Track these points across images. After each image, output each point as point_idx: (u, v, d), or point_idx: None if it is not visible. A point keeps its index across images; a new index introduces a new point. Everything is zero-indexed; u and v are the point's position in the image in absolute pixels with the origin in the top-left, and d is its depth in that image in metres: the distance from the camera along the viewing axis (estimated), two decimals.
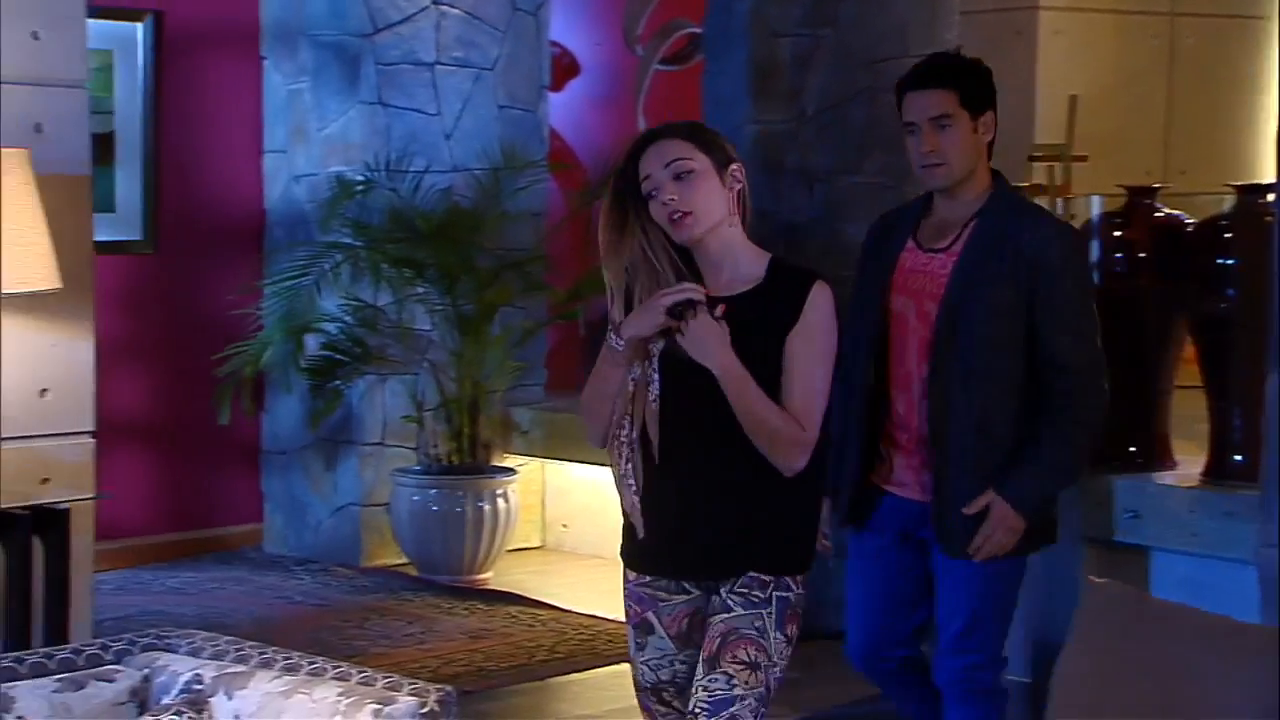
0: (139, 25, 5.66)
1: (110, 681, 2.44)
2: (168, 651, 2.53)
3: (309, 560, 5.80)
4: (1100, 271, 4.80)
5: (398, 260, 5.50)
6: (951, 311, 2.95)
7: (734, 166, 2.55)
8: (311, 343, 5.58)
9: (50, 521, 3.23)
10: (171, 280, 5.79)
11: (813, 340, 2.52)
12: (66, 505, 3.26)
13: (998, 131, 3.05)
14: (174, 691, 2.43)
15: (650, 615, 2.59)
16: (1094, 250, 4.82)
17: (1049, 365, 2.94)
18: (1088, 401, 2.97)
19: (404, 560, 5.70)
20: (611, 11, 6.95)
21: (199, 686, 2.43)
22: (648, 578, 2.58)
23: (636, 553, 2.60)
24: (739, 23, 4.85)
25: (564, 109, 6.61)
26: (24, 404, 3.45)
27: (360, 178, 5.63)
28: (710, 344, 2.47)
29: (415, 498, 5.55)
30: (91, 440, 3.58)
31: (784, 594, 2.54)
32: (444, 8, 5.89)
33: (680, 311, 2.47)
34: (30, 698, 2.35)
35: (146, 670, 2.48)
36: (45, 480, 3.43)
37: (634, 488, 2.54)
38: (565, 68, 6.78)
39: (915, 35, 4.99)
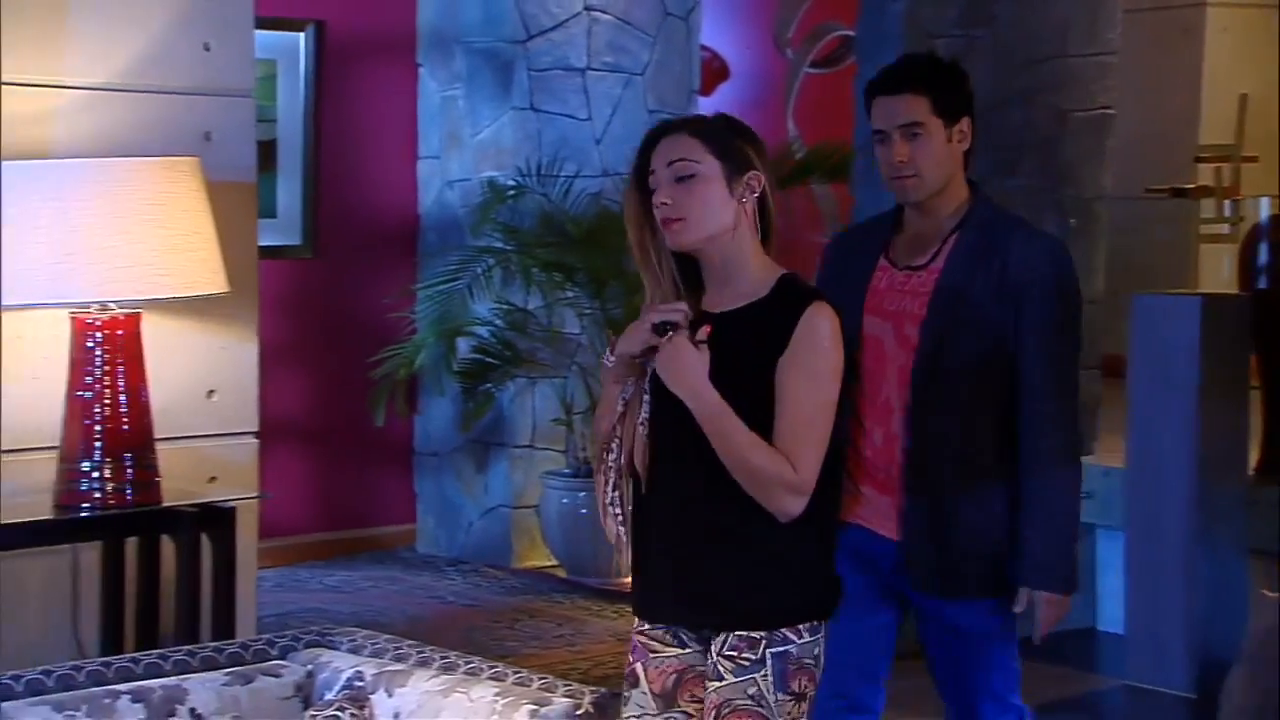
0: (301, 35, 5.79)
1: (276, 676, 2.49)
2: (330, 649, 2.58)
3: (460, 561, 5.87)
4: (1269, 275, 4.66)
5: (548, 265, 5.54)
6: (936, 333, 2.69)
7: (750, 175, 2.30)
8: (463, 346, 5.66)
9: (217, 519, 3.31)
10: (329, 284, 5.91)
11: (804, 366, 2.22)
12: (232, 504, 3.33)
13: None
14: (336, 688, 2.47)
15: (639, 667, 2.40)
16: (1263, 253, 4.68)
17: (1024, 389, 2.72)
18: (1066, 426, 2.74)
19: (553, 562, 5.75)
20: (762, 15, 6.93)
21: (360, 683, 2.47)
22: (645, 625, 2.40)
23: (633, 593, 2.42)
24: (892, 24, 4.79)
25: (714, 113, 6.60)
26: (192, 405, 3.54)
27: (512, 183, 5.69)
28: (681, 369, 2.22)
29: (564, 500, 5.59)
30: (256, 440, 3.66)
31: (781, 648, 2.27)
32: (596, 13, 5.93)
33: (664, 329, 2.25)
34: (201, 690, 2.41)
35: (310, 666, 2.53)
36: (212, 479, 3.52)
37: (620, 516, 2.32)
38: (715, 72, 6.78)
39: (1075, 35, 4.88)
